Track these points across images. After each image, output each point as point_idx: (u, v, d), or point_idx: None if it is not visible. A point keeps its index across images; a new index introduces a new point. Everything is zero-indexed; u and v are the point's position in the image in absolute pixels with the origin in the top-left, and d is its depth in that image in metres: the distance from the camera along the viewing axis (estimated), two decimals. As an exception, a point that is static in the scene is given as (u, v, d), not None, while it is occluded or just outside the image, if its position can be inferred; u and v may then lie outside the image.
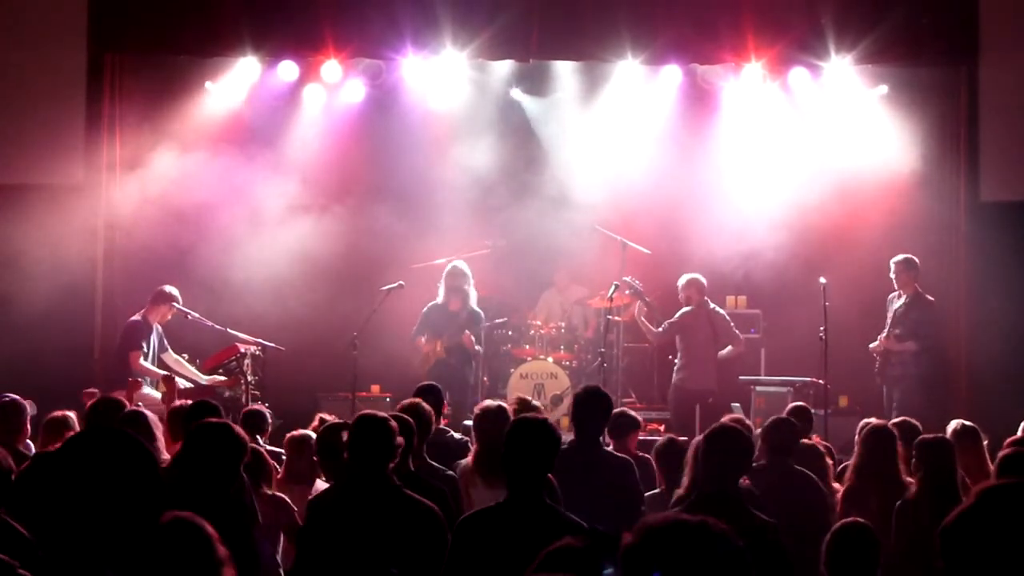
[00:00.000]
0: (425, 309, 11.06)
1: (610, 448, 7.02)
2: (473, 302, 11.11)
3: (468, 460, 6.43)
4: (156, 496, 2.52)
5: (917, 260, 10.90)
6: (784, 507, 5.52)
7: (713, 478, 4.91)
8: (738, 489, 4.98)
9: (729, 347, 11.28)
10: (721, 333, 11.27)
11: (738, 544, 2.29)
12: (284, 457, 7.31)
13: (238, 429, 4.94)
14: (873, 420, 7.32)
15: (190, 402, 7.24)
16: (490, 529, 4.52)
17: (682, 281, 11.31)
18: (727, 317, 11.37)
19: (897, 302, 10.96)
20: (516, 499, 4.58)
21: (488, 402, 6.64)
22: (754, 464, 6.08)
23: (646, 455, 7.20)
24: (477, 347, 11.15)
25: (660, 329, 11.31)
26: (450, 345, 10.82)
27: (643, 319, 11.49)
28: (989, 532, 2.28)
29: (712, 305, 11.33)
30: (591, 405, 6.28)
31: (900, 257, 10.92)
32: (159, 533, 3.13)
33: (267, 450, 6.95)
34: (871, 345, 11.00)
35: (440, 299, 11.00)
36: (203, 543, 3.23)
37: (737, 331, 11.40)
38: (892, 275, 10.91)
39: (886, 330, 10.90)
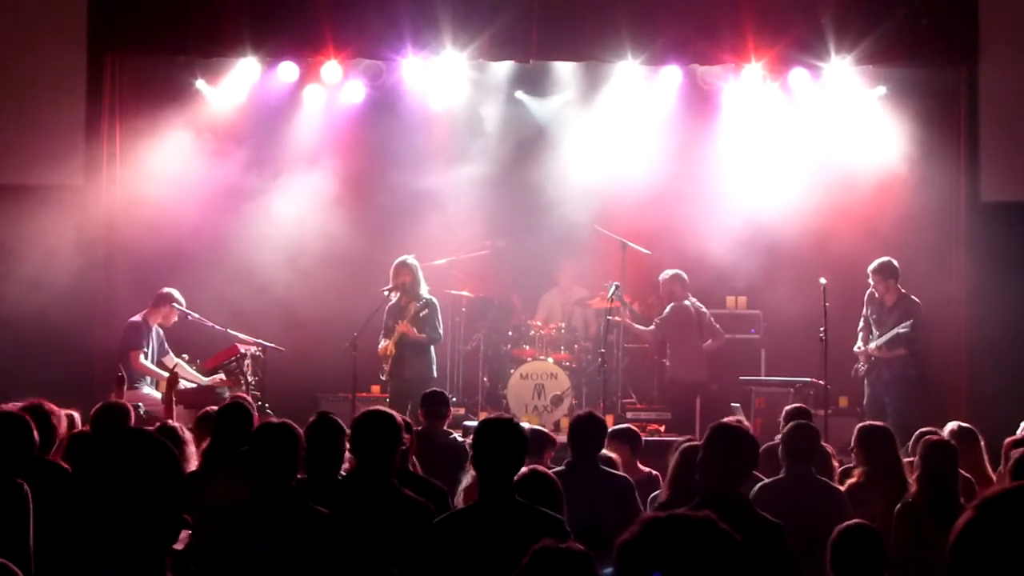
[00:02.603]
0: (385, 311, 10.86)
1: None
2: (424, 292, 10.85)
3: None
4: (179, 498, 2.50)
5: (895, 263, 10.92)
6: (802, 515, 5.49)
7: (716, 478, 4.89)
8: (741, 490, 4.97)
9: (709, 340, 11.59)
10: (704, 327, 11.63)
11: (738, 540, 2.26)
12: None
13: (296, 427, 5.02)
14: (871, 422, 7.32)
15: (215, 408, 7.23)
16: (465, 531, 4.55)
17: (665, 276, 11.66)
18: (706, 311, 11.72)
19: (877, 303, 11.01)
20: (489, 499, 4.62)
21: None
22: (772, 478, 6.10)
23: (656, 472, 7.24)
24: (428, 333, 10.74)
25: (652, 327, 11.63)
26: (397, 339, 10.72)
27: (629, 322, 11.83)
28: (998, 543, 2.25)
29: (693, 299, 11.63)
30: (587, 429, 6.40)
31: (875, 264, 10.93)
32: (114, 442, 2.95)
33: None
34: (857, 348, 11.01)
35: (392, 298, 10.90)
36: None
37: (717, 325, 11.73)
38: (871, 282, 10.97)
39: (877, 337, 10.90)
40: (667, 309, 11.60)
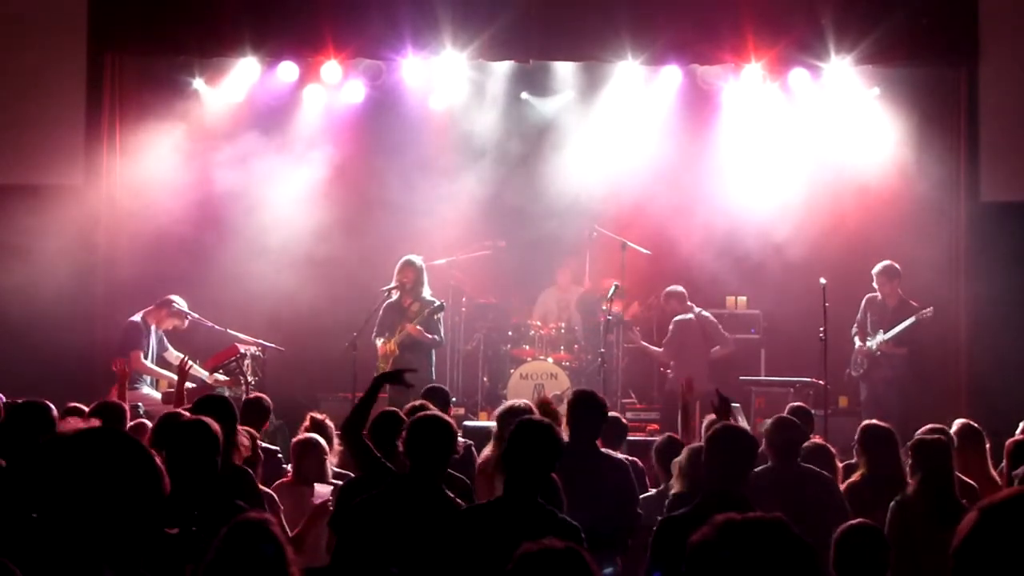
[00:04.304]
0: (382, 309, 10.88)
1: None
2: (426, 294, 10.85)
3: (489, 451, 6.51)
4: (156, 496, 2.51)
5: (898, 266, 11.01)
6: (793, 506, 5.48)
7: (718, 478, 4.91)
8: (741, 489, 4.97)
9: (717, 347, 11.59)
10: (710, 335, 11.62)
11: (809, 545, 2.28)
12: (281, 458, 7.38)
13: (213, 425, 4.99)
14: (875, 421, 7.31)
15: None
16: (483, 525, 4.55)
17: (663, 295, 11.73)
18: (713, 319, 11.72)
19: (878, 306, 11.11)
20: (512, 498, 4.62)
21: (515, 402, 6.70)
22: (760, 467, 6.09)
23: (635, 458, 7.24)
24: (434, 336, 10.75)
25: (662, 348, 11.63)
26: (401, 339, 10.73)
27: (643, 343, 11.88)
28: (1002, 548, 2.24)
29: (698, 309, 11.64)
30: (586, 407, 6.29)
31: (879, 267, 11.06)
32: (230, 534, 3.24)
33: (263, 448, 6.99)
34: (867, 345, 11.04)
35: (393, 296, 10.92)
36: (272, 544, 3.31)
37: (725, 332, 11.76)
38: (875, 284, 11.04)
39: (882, 333, 10.97)
40: (671, 326, 11.59)
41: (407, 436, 5.07)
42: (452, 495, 5.04)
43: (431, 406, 6.36)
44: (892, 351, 10.98)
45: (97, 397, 8.53)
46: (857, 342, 11.14)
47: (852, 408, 11.38)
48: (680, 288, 11.69)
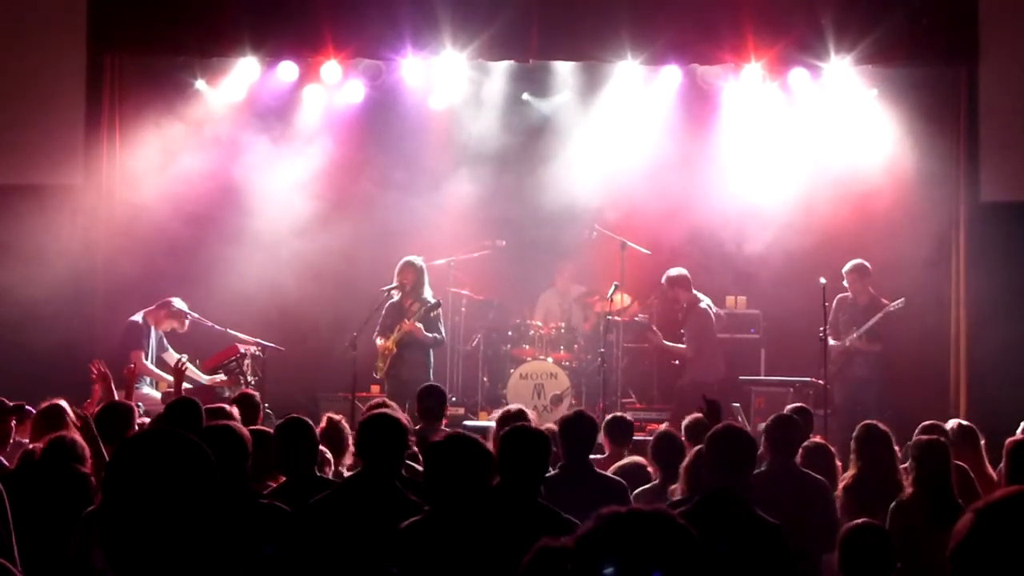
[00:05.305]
0: (383, 309, 10.89)
1: (608, 453, 7.14)
2: (427, 295, 10.87)
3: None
4: (214, 498, 2.51)
5: (868, 265, 11.05)
6: (785, 508, 5.48)
7: (718, 478, 4.91)
8: (741, 490, 4.97)
9: None
10: (717, 318, 11.71)
11: (695, 536, 2.25)
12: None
13: (241, 430, 4.97)
14: (870, 421, 7.31)
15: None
16: (485, 530, 4.53)
17: (666, 279, 11.59)
18: (711, 301, 11.77)
19: (849, 305, 11.19)
20: (511, 502, 4.63)
21: (511, 407, 6.70)
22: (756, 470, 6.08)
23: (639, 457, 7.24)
24: (434, 335, 10.78)
25: (685, 344, 11.55)
26: (400, 338, 10.74)
27: (666, 344, 11.80)
28: (998, 550, 2.24)
29: (702, 296, 11.66)
30: (577, 430, 6.21)
31: (849, 266, 11.11)
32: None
33: None
34: (845, 342, 11.05)
35: (394, 296, 10.92)
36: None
37: (722, 312, 11.94)
38: (845, 283, 11.10)
39: (855, 332, 11.00)
40: (693, 320, 11.53)
41: (358, 435, 5.05)
42: (411, 492, 5.02)
43: (391, 404, 6.36)
44: (866, 348, 11.01)
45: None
46: (831, 341, 11.12)
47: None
48: (684, 271, 11.55)
